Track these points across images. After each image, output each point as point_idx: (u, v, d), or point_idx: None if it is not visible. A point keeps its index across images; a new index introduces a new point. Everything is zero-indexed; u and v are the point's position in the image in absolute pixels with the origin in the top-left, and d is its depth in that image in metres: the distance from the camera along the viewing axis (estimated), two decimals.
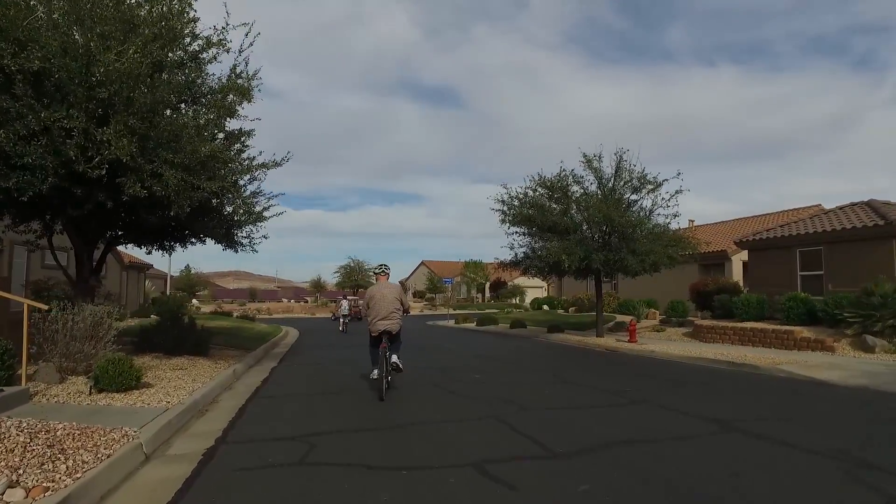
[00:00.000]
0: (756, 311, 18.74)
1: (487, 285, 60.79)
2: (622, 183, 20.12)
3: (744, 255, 25.67)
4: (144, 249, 12.21)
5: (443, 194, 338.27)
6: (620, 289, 33.61)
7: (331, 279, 62.65)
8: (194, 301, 67.92)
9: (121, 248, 22.71)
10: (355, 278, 56.33)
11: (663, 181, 19.52)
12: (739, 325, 17.82)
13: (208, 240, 11.26)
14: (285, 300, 78.00)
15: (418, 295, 65.71)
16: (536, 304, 40.31)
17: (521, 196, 21.33)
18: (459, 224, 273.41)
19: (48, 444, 4.82)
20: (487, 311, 47.74)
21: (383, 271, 8.98)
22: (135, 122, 7.28)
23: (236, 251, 11.25)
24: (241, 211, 10.30)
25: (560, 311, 35.19)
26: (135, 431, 5.81)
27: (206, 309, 44.08)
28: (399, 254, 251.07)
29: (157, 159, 7.68)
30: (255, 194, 10.94)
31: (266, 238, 11.39)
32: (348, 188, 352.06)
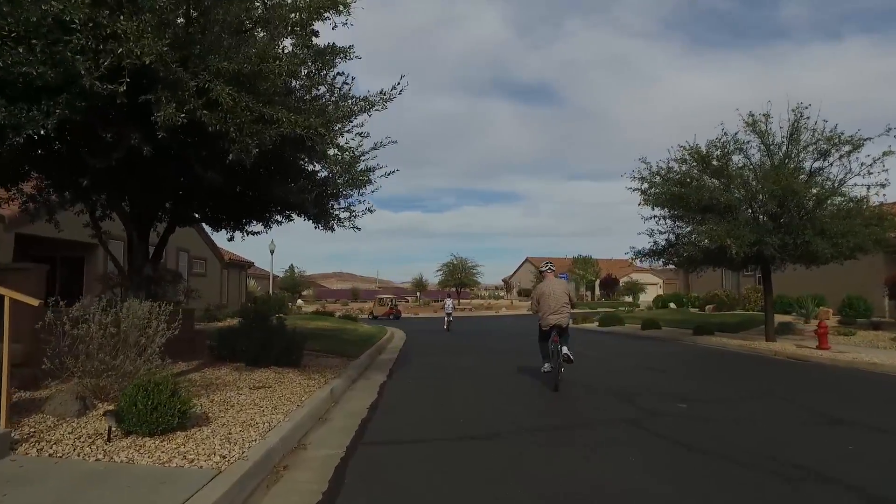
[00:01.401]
0: None
1: (598, 282, 55.98)
2: (800, 147, 15.62)
3: None
4: (226, 234, 9.70)
5: (539, 192, 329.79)
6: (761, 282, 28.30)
7: (432, 278, 60.26)
8: (299, 301, 68.29)
9: (184, 230, 20.59)
10: (458, 276, 53.23)
11: (864, 140, 14.80)
12: None
13: (296, 217, 8.49)
14: None
15: (523, 293, 61.85)
16: (660, 301, 35.44)
17: (663, 171, 17.36)
18: (557, 222, 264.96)
19: None
20: (600, 309, 43.32)
21: (550, 269, 9.34)
22: (166, 4, 4.45)
23: (332, 229, 8.35)
24: (337, 169, 7.34)
25: (692, 310, 30.30)
26: None
27: (309, 309, 42.95)
28: (497, 253, 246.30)
29: (207, 72, 4.83)
30: (355, 158, 7.92)
31: (371, 212, 8.44)
32: (445, 189, 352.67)
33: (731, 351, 15.70)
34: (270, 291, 31.95)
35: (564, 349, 8.42)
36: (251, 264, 28.91)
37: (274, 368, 9.02)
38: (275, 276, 54.28)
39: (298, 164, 6.94)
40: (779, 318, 23.18)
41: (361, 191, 7.94)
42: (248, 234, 9.24)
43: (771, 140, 15.99)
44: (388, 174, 8.06)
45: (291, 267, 53.28)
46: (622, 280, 53.93)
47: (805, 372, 11.08)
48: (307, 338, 10.88)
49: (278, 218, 8.64)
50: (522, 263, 70.20)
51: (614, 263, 62.65)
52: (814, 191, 15.27)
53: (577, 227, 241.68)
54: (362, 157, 7.67)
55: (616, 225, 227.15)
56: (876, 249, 15.49)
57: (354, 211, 8.36)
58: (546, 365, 8.71)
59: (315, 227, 8.32)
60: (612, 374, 10.33)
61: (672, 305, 33.08)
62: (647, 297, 48.82)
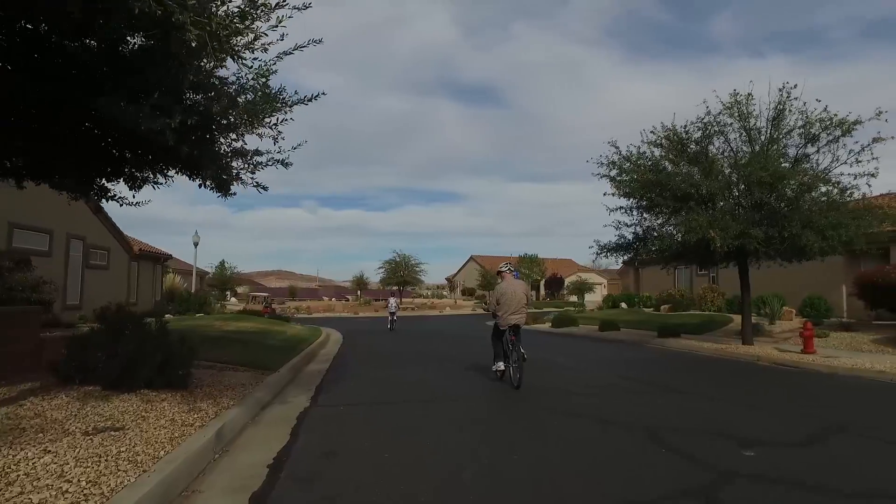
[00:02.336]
0: None
1: (543, 282, 54.39)
2: (783, 132, 13.92)
3: None
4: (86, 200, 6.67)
5: (482, 193, 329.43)
6: (721, 282, 27.03)
7: (374, 276, 56.80)
8: (233, 299, 63.47)
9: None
10: (401, 274, 50.10)
11: (856, 124, 13.19)
12: None
13: (173, 173, 5.64)
14: (326, 298, 73.02)
15: (467, 292, 59.56)
16: (611, 301, 33.92)
17: (634, 157, 15.38)
18: (500, 222, 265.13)
19: None
20: (546, 308, 41.65)
21: (509, 269, 9.22)
22: None
23: (226, 190, 5.55)
24: (221, 66, 4.48)
25: (647, 310, 28.81)
26: None
27: (237, 308, 39.14)
28: (440, 252, 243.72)
29: None
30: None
31: (286, 166, 5.62)
32: (388, 188, 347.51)
33: (711, 357, 13.84)
34: (193, 288, 28.26)
35: (521, 348, 8.37)
36: (168, 257, 25.20)
37: (144, 393, 6.15)
38: (205, 273, 49.92)
39: (155, 66, 4.05)
40: (738, 318, 21.79)
41: (274, 122, 5.06)
42: (107, 199, 6.23)
43: (752, 123, 14.25)
44: (312, 99, 5.23)
45: (223, 263, 48.76)
46: (567, 279, 52.59)
47: (820, 384, 9.17)
48: (227, 342, 8.00)
49: (147, 173, 5.70)
50: (467, 262, 67.98)
51: (559, 263, 61.49)
52: (802, 178, 13.59)
53: (520, 227, 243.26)
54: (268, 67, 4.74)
55: (558, 227, 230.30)
56: (861, 245, 13.97)
57: (258, 160, 5.57)
58: (500, 364, 8.81)
59: (201, 186, 5.48)
60: (608, 395, 7.99)
61: (623, 305, 31.57)
62: (593, 297, 47.58)
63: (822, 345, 15.00)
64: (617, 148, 15.65)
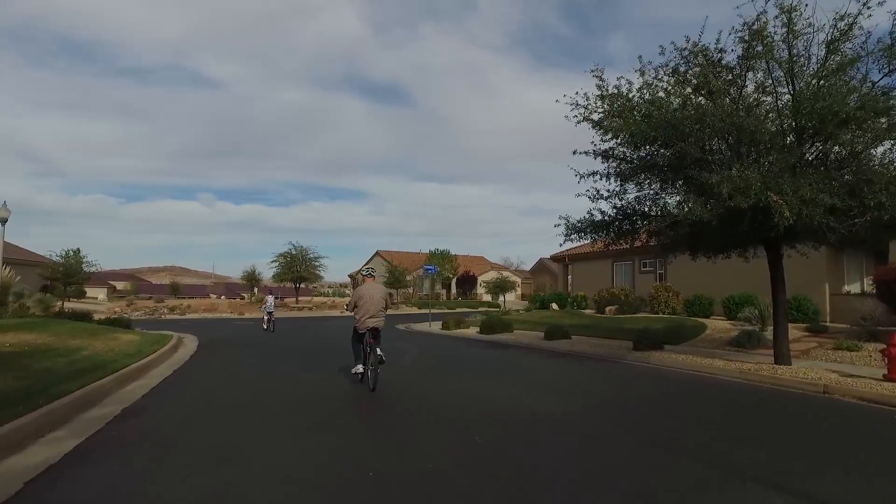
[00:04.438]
0: None
1: (454, 280, 48.91)
2: (848, 59, 9.11)
3: None
4: None
5: (386, 192, 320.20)
6: (671, 278, 22.68)
7: (267, 272, 48.16)
8: (100, 296, 52.52)
9: None
10: (297, 269, 42.27)
11: None
12: None
13: None
14: (213, 296, 63.29)
15: None
16: (539, 301, 28.93)
17: (632, 95, 10.24)
18: (403, 221, 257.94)
19: None
20: (460, 309, 36.33)
21: (370, 273, 9.04)
22: None
23: None
24: None
25: (587, 312, 24.01)
26: None
27: (96, 309, 30.05)
28: (342, 251, 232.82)
29: None
30: None
31: None
32: (290, 183, 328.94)
33: (753, 388, 8.78)
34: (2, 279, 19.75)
35: (378, 351, 7.98)
36: None
37: None
38: (55, 264, 39.59)
39: None
40: (711, 324, 17.44)
41: None
42: None
43: (801, 48, 9.39)
44: None
45: (76, 252, 38.40)
46: (481, 277, 47.56)
47: None
48: None
49: None
50: (372, 257, 61.09)
51: (471, 260, 56.52)
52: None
53: (423, 227, 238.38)
54: None
55: (459, 228, 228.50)
56: None
57: None
58: (359, 366, 8.23)
59: None
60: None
61: (554, 306, 26.69)
62: (509, 297, 42.77)
63: (865, 362, 10.57)
64: (602, 80, 10.38)
